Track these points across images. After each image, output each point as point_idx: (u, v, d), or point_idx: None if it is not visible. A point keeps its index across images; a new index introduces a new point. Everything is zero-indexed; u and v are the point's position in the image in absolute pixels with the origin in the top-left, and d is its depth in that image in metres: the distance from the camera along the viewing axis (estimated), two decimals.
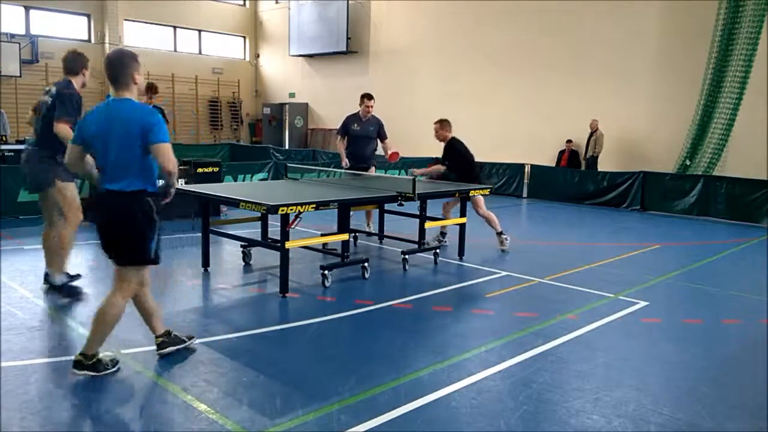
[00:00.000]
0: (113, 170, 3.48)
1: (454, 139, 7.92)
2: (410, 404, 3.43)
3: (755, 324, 5.23)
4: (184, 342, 4.08)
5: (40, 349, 4.12)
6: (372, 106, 8.24)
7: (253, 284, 6.13)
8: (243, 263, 6.70)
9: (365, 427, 3.17)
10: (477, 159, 8.23)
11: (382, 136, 8.36)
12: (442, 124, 7.94)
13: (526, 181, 14.10)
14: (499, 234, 7.85)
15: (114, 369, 3.68)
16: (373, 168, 8.48)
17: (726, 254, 8.19)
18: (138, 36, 21.60)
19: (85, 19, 20.32)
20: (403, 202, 6.37)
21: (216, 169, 9.99)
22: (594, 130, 14.96)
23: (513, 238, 7.99)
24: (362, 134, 8.24)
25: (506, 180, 14.28)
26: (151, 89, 9.61)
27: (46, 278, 5.38)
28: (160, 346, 3.97)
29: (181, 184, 9.13)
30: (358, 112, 8.27)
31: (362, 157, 8.33)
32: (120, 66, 3.54)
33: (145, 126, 3.42)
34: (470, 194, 7.38)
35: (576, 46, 15.59)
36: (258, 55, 24.79)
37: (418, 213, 7.23)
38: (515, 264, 7.13)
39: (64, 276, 5.36)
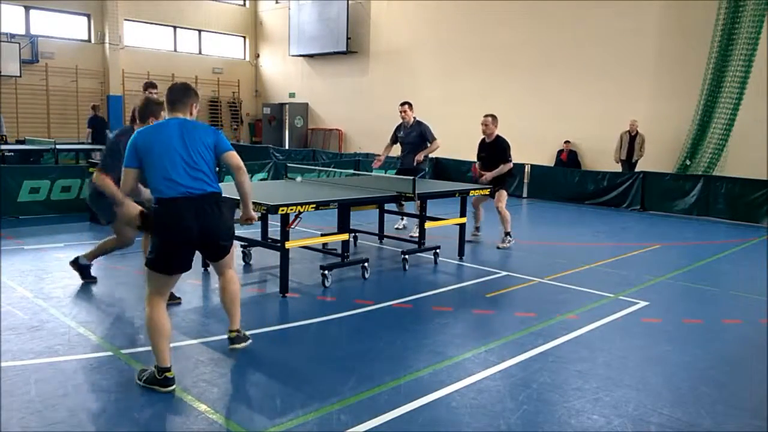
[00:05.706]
0: (200, 176, 3.81)
1: (501, 136, 8.06)
2: (410, 404, 3.44)
3: (755, 324, 5.23)
4: (248, 340, 4.23)
5: (40, 349, 4.11)
6: (404, 111, 8.55)
7: (253, 284, 6.13)
8: (243, 263, 6.70)
9: (365, 427, 3.17)
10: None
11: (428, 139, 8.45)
12: (495, 120, 8.04)
13: (526, 181, 14.10)
14: (507, 234, 7.89)
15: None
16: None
17: (726, 254, 8.19)
18: (138, 36, 21.58)
19: (85, 19, 20.29)
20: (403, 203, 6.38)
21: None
22: (634, 134, 13.34)
23: (513, 238, 7.99)
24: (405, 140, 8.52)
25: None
26: (150, 85, 9.68)
27: (75, 260, 5.74)
28: (233, 341, 4.16)
29: None
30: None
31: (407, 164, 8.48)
32: (185, 95, 3.86)
33: (217, 137, 3.92)
34: (472, 192, 7.37)
35: (575, 47, 15.57)
36: (258, 55, 24.77)
37: (417, 213, 7.23)
38: (515, 264, 7.13)
39: (88, 263, 5.74)
